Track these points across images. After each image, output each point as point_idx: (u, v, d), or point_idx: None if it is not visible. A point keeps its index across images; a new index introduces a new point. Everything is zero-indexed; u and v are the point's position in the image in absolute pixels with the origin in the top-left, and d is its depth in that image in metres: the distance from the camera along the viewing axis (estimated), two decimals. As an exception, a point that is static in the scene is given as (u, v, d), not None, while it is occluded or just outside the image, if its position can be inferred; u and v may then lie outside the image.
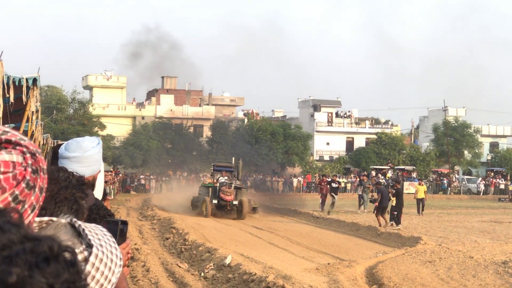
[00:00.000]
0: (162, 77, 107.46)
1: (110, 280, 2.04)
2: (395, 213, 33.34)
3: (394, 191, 34.36)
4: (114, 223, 3.14)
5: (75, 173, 2.73)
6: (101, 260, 2.01)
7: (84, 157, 4.08)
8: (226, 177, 41.46)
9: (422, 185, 45.78)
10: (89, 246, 2.00)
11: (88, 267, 1.97)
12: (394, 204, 33.62)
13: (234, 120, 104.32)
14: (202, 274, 17.58)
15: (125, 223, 3.20)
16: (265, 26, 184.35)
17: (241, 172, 43.28)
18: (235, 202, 38.73)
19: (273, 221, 38.10)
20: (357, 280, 17.28)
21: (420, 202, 43.27)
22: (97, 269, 2.00)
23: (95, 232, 2.07)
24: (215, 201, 38.93)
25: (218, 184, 39.80)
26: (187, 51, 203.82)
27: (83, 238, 2.01)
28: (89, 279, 1.97)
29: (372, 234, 30.52)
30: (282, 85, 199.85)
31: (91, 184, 4.13)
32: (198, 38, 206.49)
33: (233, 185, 39.60)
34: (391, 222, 33.11)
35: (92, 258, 1.99)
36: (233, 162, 44.04)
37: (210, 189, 40.25)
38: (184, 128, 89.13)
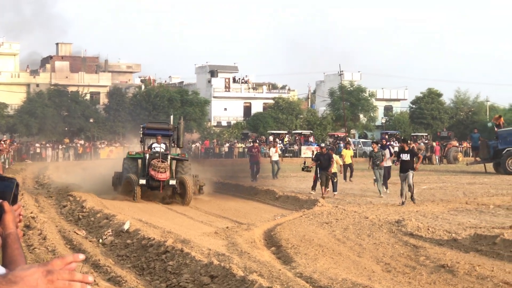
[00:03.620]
0: (57, 44, 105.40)
1: None
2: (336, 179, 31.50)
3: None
4: (10, 180, 3.14)
5: None
6: None
7: None
8: (163, 144, 29.70)
9: (349, 149, 42.37)
10: None
11: None
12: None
13: (131, 86, 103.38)
14: (100, 240, 17.48)
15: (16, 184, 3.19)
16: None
17: (183, 137, 30.97)
18: (172, 182, 28.42)
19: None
20: (255, 242, 17.47)
21: (347, 168, 40.13)
22: None
23: None
24: (142, 181, 28.15)
25: (147, 156, 28.92)
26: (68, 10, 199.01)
27: None
28: None
29: (270, 198, 30.82)
30: (179, 51, 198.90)
31: None
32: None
33: (168, 157, 28.89)
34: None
35: None
36: (171, 122, 32.05)
37: (139, 162, 29.71)
38: (80, 95, 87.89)
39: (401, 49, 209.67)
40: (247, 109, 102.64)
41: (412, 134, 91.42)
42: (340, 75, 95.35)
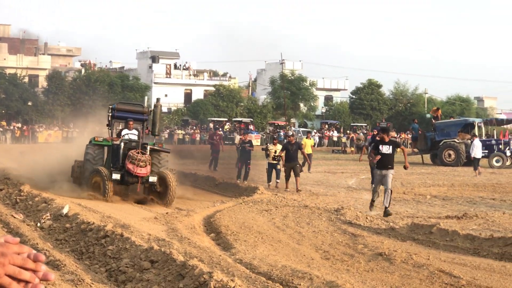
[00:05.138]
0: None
1: None
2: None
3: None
4: None
5: None
6: None
7: None
8: (134, 131, 24.86)
9: (310, 138, 39.22)
10: None
11: None
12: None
13: (71, 70, 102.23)
14: (39, 224, 17.29)
15: None
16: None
17: (159, 122, 25.69)
18: (153, 179, 23.25)
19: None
20: (195, 228, 17.50)
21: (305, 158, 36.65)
22: None
23: None
24: (116, 176, 22.89)
25: (122, 144, 23.70)
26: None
27: None
28: None
29: (210, 184, 30.83)
30: (120, 36, 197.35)
31: None
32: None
33: (148, 148, 23.61)
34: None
35: None
36: (145, 104, 27.79)
37: (106, 150, 24.68)
38: (18, 78, 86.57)
39: (342, 40, 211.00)
40: (188, 95, 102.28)
41: (352, 124, 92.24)
42: (282, 64, 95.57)
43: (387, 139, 21.21)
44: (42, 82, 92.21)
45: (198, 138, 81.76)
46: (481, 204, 24.47)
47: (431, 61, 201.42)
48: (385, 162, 20.71)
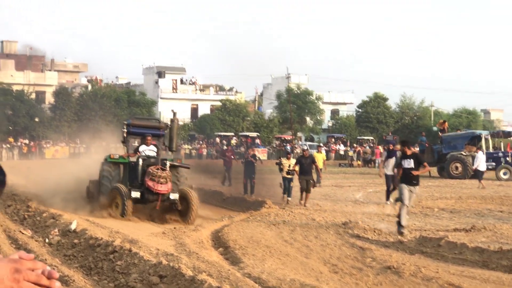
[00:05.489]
0: (1, 42, 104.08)
1: None
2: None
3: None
4: None
5: None
6: None
7: None
8: (152, 146, 24.05)
9: (321, 152, 38.65)
10: None
11: None
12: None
13: (78, 86, 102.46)
14: (47, 240, 17.32)
15: None
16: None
17: (176, 138, 25.47)
18: (174, 196, 22.53)
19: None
20: (203, 243, 17.48)
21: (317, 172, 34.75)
22: None
23: None
24: (136, 194, 22.07)
25: (140, 161, 23.02)
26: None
27: None
28: None
29: (218, 199, 30.83)
30: (126, 51, 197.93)
31: None
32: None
33: (168, 164, 22.78)
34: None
35: None
36: (160, 120, 27.16)
37: (122, 167, 24.05)
38: (25, 94, 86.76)
39: (348, 53, 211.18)
40: (194, 110, 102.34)
41: (358, 137, 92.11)
42: (288, 78, 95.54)
43: (408, 152, 20.15)
44: (49, 98, 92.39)
45: (205, 153, 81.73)
46: (489, 216, 24.42)
47: (438, 74, 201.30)
48: (409, 177, 19.74)
